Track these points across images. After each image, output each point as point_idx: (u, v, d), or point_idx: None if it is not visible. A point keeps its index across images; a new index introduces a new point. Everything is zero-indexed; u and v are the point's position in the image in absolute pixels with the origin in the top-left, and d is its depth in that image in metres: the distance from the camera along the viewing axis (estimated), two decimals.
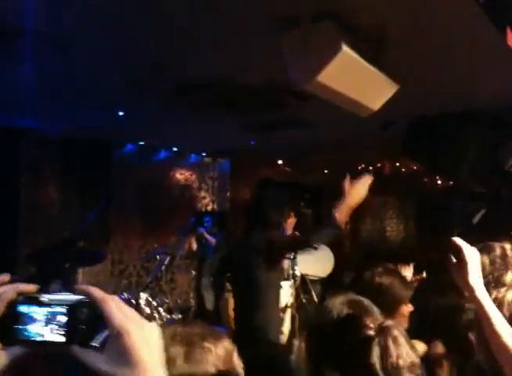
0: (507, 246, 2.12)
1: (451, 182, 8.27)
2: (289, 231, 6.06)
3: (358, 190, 3.38)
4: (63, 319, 0.97)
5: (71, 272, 5.15)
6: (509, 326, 1.49)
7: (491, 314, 1.49)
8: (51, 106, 5.21)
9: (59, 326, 0.98)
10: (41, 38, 3.39)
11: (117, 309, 0.94)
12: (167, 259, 5.82)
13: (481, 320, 1.50)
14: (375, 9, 2.88)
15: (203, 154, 8.58)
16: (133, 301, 4.92)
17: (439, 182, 9.38)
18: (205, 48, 3.62)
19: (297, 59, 2.89)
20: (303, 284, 5.52)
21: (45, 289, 1.00)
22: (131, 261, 7.51)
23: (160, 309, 5.09)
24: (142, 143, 7.54)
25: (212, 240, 6.61)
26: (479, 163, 5.29)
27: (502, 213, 6.47)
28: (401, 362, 1.39)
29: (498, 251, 2.08)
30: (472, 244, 2.18)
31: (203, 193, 8.61)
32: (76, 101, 5.06)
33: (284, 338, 5.28)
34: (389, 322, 1.48)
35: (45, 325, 0.98)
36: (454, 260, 1.58)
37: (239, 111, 5.42)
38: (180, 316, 5.62)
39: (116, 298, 0.96)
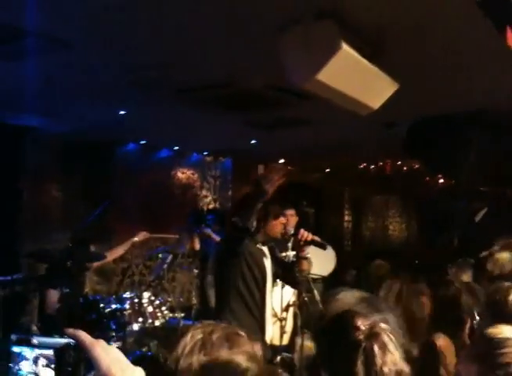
0: None
1: (453, 182, 8.27)
2: (291, 230, 6.09)
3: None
4: (52, 360, 1.05)
5: (76, 270, 5.16)
6: None
7: None
8: (52, 105, 5.22)
9: (48, 367, 1.06)
10: (43, 38, 3.41)
11: (104, 353, 1.00)
12: (169, 258, 5.83)
13: None
14: (375, 8, 2.88)
15: (205, 153, 8.59)
16: (136, 299, 4.93)
17: (441, 181, 9.38)
18: (207, 48, 3.63)
19: (296, 58, 2.90)
20: (305, 283, 5.52)
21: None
22: (133, 260, 7.53)
23: (163, 308, 5.10)
24: (143, 142, 7.55)
25: (217, 238, 6.61)
26: (482, 163, 5.30)
27: (504, 212, 6.48)
28: (386, 370, 1.34)
29: None
30: (475, 242, 2.20)
31: (204, 192, 8.62)
32: (78, 101, 5.08)
33: (287, 336, 5.31)
34: (382, 325, 1.43)
35: (34, 365, 1.07)
36: None
37: (240, 110, 5.43)
38: (182, 314, 5.63)
39: (102, 342, 1.03)
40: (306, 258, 3.70)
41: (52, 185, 6.68)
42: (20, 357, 1.07)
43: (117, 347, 4.64)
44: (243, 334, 1.33)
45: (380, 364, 1.34)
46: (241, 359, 1.27)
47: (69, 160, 6.78)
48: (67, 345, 1.04)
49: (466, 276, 4.63)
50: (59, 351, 1.04)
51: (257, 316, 3.53)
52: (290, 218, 6.26)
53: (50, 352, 1.05)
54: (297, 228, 6.21)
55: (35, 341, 1.07)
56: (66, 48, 3.60)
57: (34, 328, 4.97)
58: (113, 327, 4.70)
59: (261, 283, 3.59)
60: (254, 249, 3.61)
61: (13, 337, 1.09)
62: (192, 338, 1.28)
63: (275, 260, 3.85)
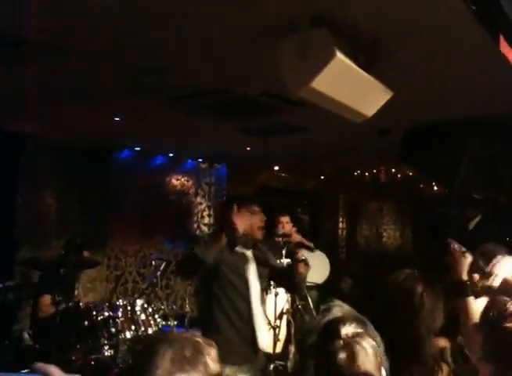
0: None
1: (446, 189, 8.29)
2: (291, 236, 6.08)
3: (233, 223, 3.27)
4: None
5: (69, 277, 5.14)
6: None
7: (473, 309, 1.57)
8: (49, 112, 5.21)
9: None
10: (40, 45, 3.40)
11: None
12: (163, 265, 5.81)
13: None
14: (370, 16, 2.89)
15: (200, 160, 8.59)
16: (129, 307, 4.90)
17: (435, 188, 9.40)
18: (202, 55, 3.63)
19: (291, 66, 2.90)
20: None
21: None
22: (127, 267, 7.51)
23: (156, 316, 5.07)
24: (138, 149, 7.54)
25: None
26: (475, 170, 5.31)
27: (497, 220, 6.49)
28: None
29: None
30: (469, 249, 2.20)
31: (199, 199, 8.61)
32: (74, 107, 5.07)
33: (280, 344, 5.29)
34: (358, 336, 1.43)
35: None
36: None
37: (236, 117, 5.44)
38: (176, 322, 5.60)
39: None
40: (303, 261, 3.54)
41: (48, 191, 6.66)
42: None
43: (110, 355, 4.62)
44: (202, 341, 1.31)
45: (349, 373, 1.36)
46: (215, 369, 1.27)
47: (65, 166, 6.77)
48: None
49: None
50: None
51: (240, 327, 3.36)
52: (285, 225, 6.29)
53: None
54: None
55: None
56: (63, 55, 3.59)
57: (26, 336, 4.95)
58: (106, 334, 4.67)
59: (244, 292, 3.42)
60: (231, 256, 3.42)
61: None
62: (164, 356, 1.22)
63: (266, 263, 3.64)
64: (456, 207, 7.18)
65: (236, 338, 3.35)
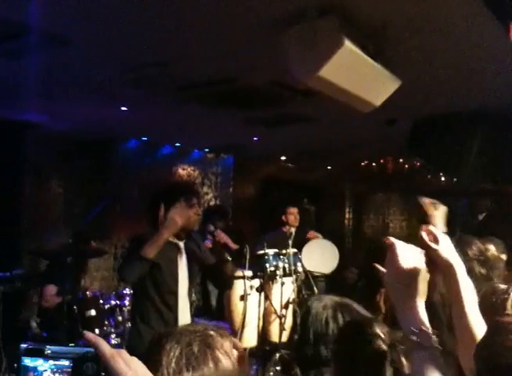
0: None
1: (454, 180, 8.24)
2: (293, 228, 6.08)
3: (173, 219, 3.15)
4: (69, 372, 0.96)
5: (76, 266, 5.16)
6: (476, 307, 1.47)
7: (462, 293, 1.44)
8: (54, 102, 5.21)
9: None
10: (43, 35, 3.40)
11: (125, 365, 0.91)
12: None
13: (453, 298, 1.47)
14: (378, 4, 2.87)
15: (206, 150, 8.57)
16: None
17: (442, 179, 9.36)
18: (209, 45, 3.61)
19: (298, 55, 2.88)
20: (306, 280, 5.52)
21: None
22: None
23: None
24: (145, 139, 7.54)
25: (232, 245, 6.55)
26: (484, 161, 5.28)
27: (505, 211, 6.46)
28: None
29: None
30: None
31: (205, 189, 8.61)
32: (79, 97, 5.07)
33: (286, 333, 5.30)
34: (397, 332, 1.37)
35: None
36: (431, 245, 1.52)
37: (242, 107, 5.42)
38: None
39: (123, 352, 0.94)
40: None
41: (54, 181, 6.68)
42: (33, 371, 0.95)
43: (116, 344, 4.65)
44: (215, 334, 1.26)
45: (405, 371, 1.31)
46: (227, 364, 1.22)
47: (70, 157, 6.77)
48: (85, 355, 0.94)
49: None
50: (77, 362, 0.93)
51: (167, 319, 3.30)
52: (294, 215, 6.28)
53: (66, 363, 0.95)
54: (299, 226, 6.25)
55: (48, 351, 0.96)
56: (66, 45, 3.58)
57: (34, 324, 4.97)
58: (113, 323, 4.69)
59: (172, 283, 3.34)
60: (164, 246, 3.27)
61: (23, 346, 0.96)
62: (171, 354, 1.17)
63: (195, 255, 3.53)
64: (464, 198, 7.15)
65: (160, 328, 3.23)
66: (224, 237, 3.62)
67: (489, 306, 1.61)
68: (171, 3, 2.94)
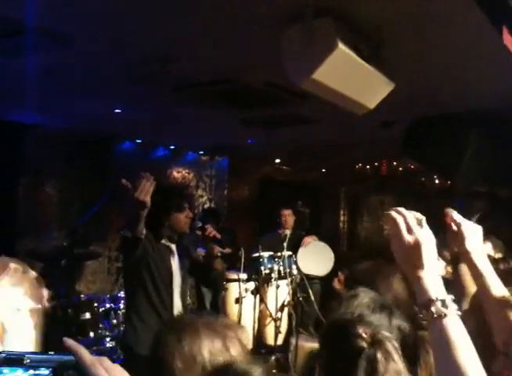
0: None
1: (449, 182, 8.27)
2: (288, 230, 6.08)
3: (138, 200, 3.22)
4: None
5: (70, 269, 5.14)
6: (499, 283, 1.59)
7: (484, 273, 1.59)
8: (50, 102, 5.19)
9: None
10: (42, 33, 3.38)
11: (105, 373, 0.90)
12: None
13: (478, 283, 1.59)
14: (373, 6, 2.87)
15: (201, 152, 8.57)
16: None
17: (437, 181, 9.39)
18: (205, 45, 3.61)
19: (293, 57, 2.88)
20: (301, 282, 5.52)
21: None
22: None
23: None
24: (139, 141, 7.53)
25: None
26: (478, 163, 5.29)
27: (499, 213, 6.48)
28: None
29: None
30: None
31: (200, 192, 8.60)
32: (76, 97, 5.05)
33: (281, 336, 5.31)
34: (385, 333, 1.37)
35: None
36: (454, 228, 1.71)
37: (237, 108, 5.42)
38: None
39: (105, 360, 0.93)
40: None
41: (50, 182, 6.65)
42: None
43: (111, 347, 4.64)
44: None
45: (383, 373, 1.29)
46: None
47: (66, 157, 6.75)
48: (66, 363, 0.92)
49: None
50: (57, 370, 0.91)
51: (163, 317, 3.38)
52: (288, 217, 6.28)
53: (46, 372, 0.91)
54: (294, 228, 6.25)
55: (28, 360, 0.92)
56: (65, 44, 3.57)
57: None
58: (108, 326, 4.68)
59: (167, 283, 3.44)
60: (157, 246, 3.42)
61: (1, 355, 0.92)
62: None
63: (186, 257, 3.68)
64: (459, 199, 7.17)
65: (157, 326, 3.37)
66: (212, 232, 3.64)
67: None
68: (169, 4, 2.93)
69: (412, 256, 1.29)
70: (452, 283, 1.98)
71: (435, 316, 1.19)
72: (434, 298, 1.21)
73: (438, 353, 1.21)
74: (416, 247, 1.29)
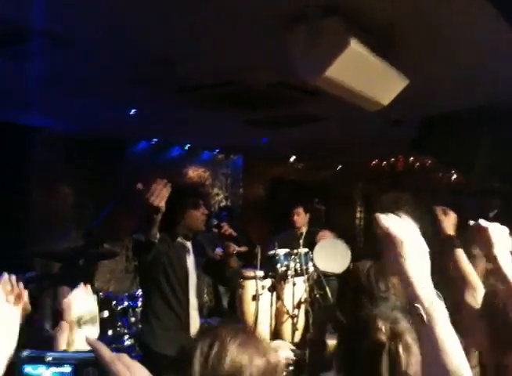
0: None
1: (466, 179, 8.20)
2: (304, 227, 6.07)
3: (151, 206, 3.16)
4: None
5: (89, 268, 5.19)
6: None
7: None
8: (60, 104, 5.24)
9: None
10: (48, 37, 3.42)
11: (125, 370, 0.92)
12: None
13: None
14: (384, 3, 2.87)
15: (216, 151, 8.60)
16: None
17: (454, 177, 9.31)
18: (216, 46, 3.63)
19: (305, 55, 2.89)
20: (318, 279, 5.51)
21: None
22: None
23: None
24: (154, 141, 7.57)
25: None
26: (495, 159, 5.26)
27: None
28: (410, 372, 1.29)
29: None
30: None
31: (216, 190, 8.63)
32: (86, 99, 5.09)
33: (298, 333, 5.31)
34: (403, 325, 1.36)
35: None
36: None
37: (251, 108, 5.43)
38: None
39: (124, 357, 0.95)
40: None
41: (62, 184, 6.71)
42: None
43: (129, 345, 4.68)
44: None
45: (406, 365, 1.29)
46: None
47: (79, 159, 6.80)
48: (86, 360, 0.95)
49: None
50: (78, 367, 0.94)
51: (180, 315, 3.41)
52: (298, 215, 6.27)
53: (68, 369, 0.95)
54: (310, 225, 6.25)
55: (49, 358, 0.96)
56: (70, 46, 3.60)
57: (47, 325, 5.01)
58: (126, 324, 4.72)
59: (183, 281, 3.45)
60: (173, 245, 3.42)
61: (23, 354, 0.96)
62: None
63: (201, 255, 3.69)
64: (475, 196, 7.11)
65: (173, 324, 3.40)
66: (228, 230, 3.66)
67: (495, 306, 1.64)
68: (174, 4, 2.95)
69: (397, 256, 1.29)
70: (452, 272, 2.00)
71: (424, 319, 1.16)
72: (416, 303, 1.18)
73: (426, 355, 1.17)
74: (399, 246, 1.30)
